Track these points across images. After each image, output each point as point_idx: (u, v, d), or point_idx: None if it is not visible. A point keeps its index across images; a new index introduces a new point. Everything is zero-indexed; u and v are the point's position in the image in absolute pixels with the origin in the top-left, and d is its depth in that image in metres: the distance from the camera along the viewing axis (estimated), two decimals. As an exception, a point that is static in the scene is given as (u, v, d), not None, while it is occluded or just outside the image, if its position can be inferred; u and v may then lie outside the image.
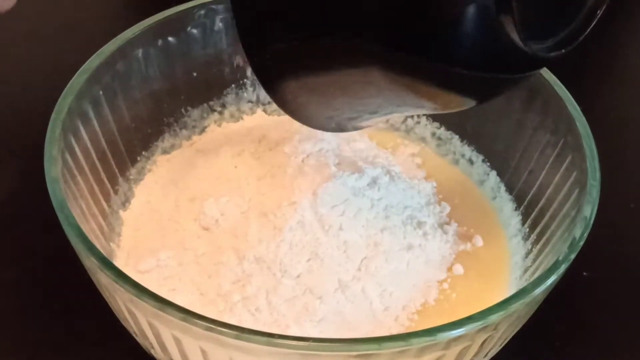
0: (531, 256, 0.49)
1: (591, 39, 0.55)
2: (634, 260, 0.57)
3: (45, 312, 0.51)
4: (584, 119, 0.49)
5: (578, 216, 0.44)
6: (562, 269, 0.41)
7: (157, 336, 0.40)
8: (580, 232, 0.42)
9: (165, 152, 0.57)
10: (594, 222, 0.44)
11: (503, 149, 0.55)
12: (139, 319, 0.40)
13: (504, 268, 0.51)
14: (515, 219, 0.53)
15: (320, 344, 0.36)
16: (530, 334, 0.46)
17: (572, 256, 0.42)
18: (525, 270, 0.49)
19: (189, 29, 0.55)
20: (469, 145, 0.58)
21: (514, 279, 0.50)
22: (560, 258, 0.41)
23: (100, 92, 0.50)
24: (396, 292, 0.47)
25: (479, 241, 0.53)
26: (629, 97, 0.71)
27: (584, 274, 0.55)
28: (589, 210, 0.43)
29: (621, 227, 0.59)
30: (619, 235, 0.58)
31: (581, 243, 0.42)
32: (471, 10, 0.32)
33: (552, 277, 0.40)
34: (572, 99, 0.50)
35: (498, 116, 0.55)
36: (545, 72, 0.51)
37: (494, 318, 0.38)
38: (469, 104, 0.39)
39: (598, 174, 0.45)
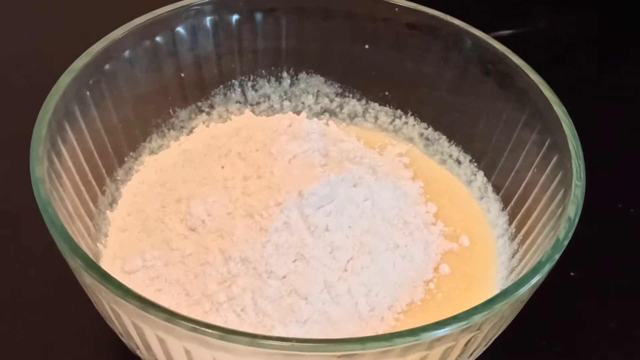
0: (517, 256, 0.49)
1: (578, 38, 0.55)
2: (622, 260, 0.58)
3: (32, 312, 0.51)
4: (569, 119, 0.49)
5: (563, 216, 0.44)
6: (546, 269, 0.41)
7: (142, 336, 0.40)
8: (564, 232, 0.42)
9: (152, 152, 0.57)
10: (582, 222, 0.44)
11: (490, 149, 0.55)
12: (124, 320, 0.40)
13: (491, 268, 0.51)
14: (502, 219, 0.53)
15: (304, 344, 0.36)
16: (518, 334, 0.46)
17: (557, 256, 0.42)
18: (512, 271, 0.49)
19: (176, 29, 0.55)
20: (456, 146, 0.58)
21: (500, 279, 0.50)
22: (544, 258, 0.41)
23: (87, 93, 0.50)
24: (382, 292, 0.47)
25: (465, 241, 0.53)
26: (616, 98, 0.71)
27: (572, 274, 0.55)
28: (574, 210, 0.44)
29: (609, 227, 0.59)
30: (607, 236, 0.59)
31: (565, 243, 0.42)
32: None
33: (536, 277, 0.40)
34: (558, 99, 0.50)
35: (485, 117, 0.56)
36: (533, 74, 0.52)
37: (477, 318, 0.38)
38: None
39: (583, 174, 0.45)
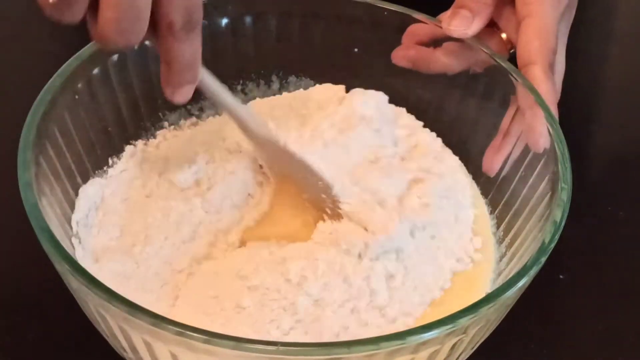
0: (505, 259, 0.49)
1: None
2: (611, 264, 0.58)
3: (19, 313, 0.51)
4: (557, 123, 0.49)
5: (549, 219, 0.44)
6: (532, 272, 0.41)
7: (128, 340, 0.40)
8: (550, 235, 0.43)
9: (143, 154, 0.57)
10: (571, 225, 0.44)
11: (479, 152, 0.55)
12: (110, 323, 0.40)
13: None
14: (490, 222, 0.53)
15: (289, 348, 0.36)
16: (506, 337, 0.47)
17: (542, 259, 0.42)
18: (499, 274, 0.49)
19: (166, 32, 0.55)
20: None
21: (489, 281, 0.50)
22: (529, 262, 0.41)
23: (76, 97, 0.50)
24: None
25: (454, 244, 0.53)
26: (603, 101, 0.71)
27: (560, 276, 0.55)
28: (559, 213, 0.44)
29: (598, 230, 0.59)
30: (597, 238, 0.59)
31: (551, 246, 0.42)
32: None
33: (521, 281, 0.40)
34: (545, 102, 0.50)
35: (474, 121, 0.56)
36: (521, 78, 0.52)
37: (462, 322, 0.38)
38: None
39: (569, 177, 0.45)
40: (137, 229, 0.50)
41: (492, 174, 0.53)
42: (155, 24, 0.41)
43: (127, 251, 0.49)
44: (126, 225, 0.50)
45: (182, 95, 0.44)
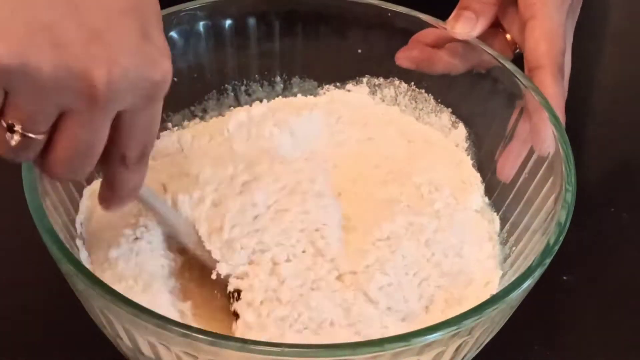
0: (509, 261, 0.49)
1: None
2: (614, 265, 0.58)
3: (24, 316, 0.51)
4: (561, 124, 0.49)
5: (553, 221, 0.44)
6: (537, 274, 0.41)
7: (133, 341, 0.40)
8: (554, 237, 0.43)
9: (145, 156, 0.56)
10: (575, 226, 0.44)
11: (482, 153, 0.56)
12: (115, 325, 0.40)
13: (483, 273, 0.51)
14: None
15: (294, 349, 0.36)
16: (510, 338, 0.46)
17: (547, 261, 0.42)
18: (504, 275, 0.49)
19: (169, 33, 0.55)
20: (449, 150, 0.58)
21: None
22: (534, 264, 0.41)
23: (81, 97, 0.50)
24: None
25: (457, 245, 0.53)
26: (607, 103, 0.71)
27: (564, 277, 0.55)
28: (564, 215, 0.44)
29: (602, 231, 0.59)
30: (600, 239, 0.59)
31: (556, 248, 0.42)
32: None
33: (526, 282, 0.40)
34: (549, 104, 0.50)
35: (478, 121, 0.56)
36: (525, 79, 0.52)
37: (467, 323, 0.38)
38: None
39: (573, 179, 0.45)
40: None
41: (507, 180, 0.52)
42: (107, 154, 0.39)
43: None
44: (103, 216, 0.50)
45: (118, 208, 0.44)
